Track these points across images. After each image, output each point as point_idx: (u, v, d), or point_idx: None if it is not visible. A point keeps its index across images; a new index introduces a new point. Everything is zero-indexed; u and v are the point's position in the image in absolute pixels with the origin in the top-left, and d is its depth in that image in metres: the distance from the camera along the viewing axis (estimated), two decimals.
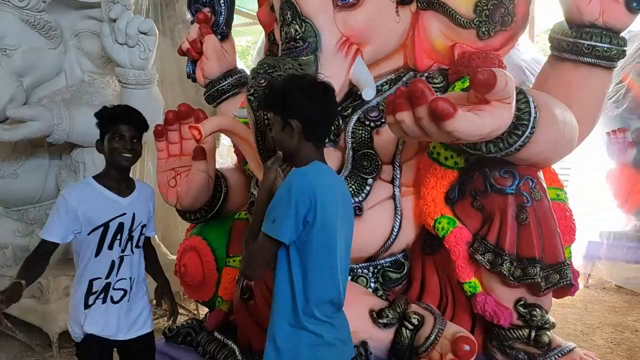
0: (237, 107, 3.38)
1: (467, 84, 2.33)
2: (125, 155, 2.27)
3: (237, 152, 3.15)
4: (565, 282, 2.18)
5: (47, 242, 2.21)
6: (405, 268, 2.61)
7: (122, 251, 2.29)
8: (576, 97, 2.33)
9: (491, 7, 2.58)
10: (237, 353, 2.58)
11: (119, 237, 2.28)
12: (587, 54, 2.33)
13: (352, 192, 2.45)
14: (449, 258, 2.38)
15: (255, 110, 2.04)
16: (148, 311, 2.39)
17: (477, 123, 1.78)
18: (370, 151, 2.50)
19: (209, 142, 2.78)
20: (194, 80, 3.60)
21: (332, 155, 2.47)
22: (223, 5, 3.44)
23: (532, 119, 1.98)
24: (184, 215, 3.05)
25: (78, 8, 4.48)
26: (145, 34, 4.09)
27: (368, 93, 2.47)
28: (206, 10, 3.46)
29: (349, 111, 2.58)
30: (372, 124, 2.50)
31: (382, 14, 2.60)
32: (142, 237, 2.36)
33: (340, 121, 2.53)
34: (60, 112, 3.94)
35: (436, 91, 2.56)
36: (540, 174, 2.28)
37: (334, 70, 2.43)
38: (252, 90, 2.05)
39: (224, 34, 3.49)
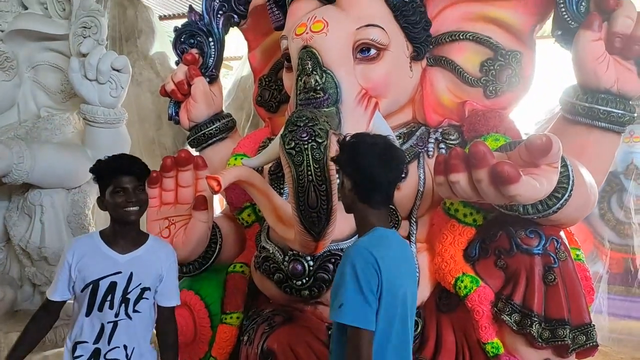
0: (223, 153, 3.28)
1: (500, 142, 2.35)
2: (131, 209, 2.06)
3: (231, 200, 3.01)
4: (591, 344, 2.20)
5: (50, 301, 2.06)
6: (419, 326, 2.54)
7: (116, 315, 2.04)
8: (589, 159, 2.41)
9: (498, 67, 2.66)
10: None
11: (109, 298, 2.03)
12: (602, 118, 2.44)
13: None
14: (469, 317, 2.35)
15: (298, 165, 1.94)
16: None
17: (536, 188, 1.79)
18: (391, 207, 2.45)
19: (207, 190, 2.64)
20: (177, 122, 3.44)
21: None
22: (213, 47, 3.35)
23: (571, 182, 2.02)
24: None
25: (38, 40, 4.20)
26: (118, 70, 3.88)
27: None
28: (194, 51, 3.34)
29: None
30: None
31: (399, 68, 2.61)
32: (145, 302, 2.08)
33: None
34: (20, 151, 3.61)
35: (451, 147, 2.58)
36: (562, 233, 2.32)
37: (355, 123, 2.40)
38: (293, 144, 1.96)
39: (213, 77, 3.38)
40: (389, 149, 1.72)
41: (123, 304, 2.05)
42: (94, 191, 4.32)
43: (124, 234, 2.10)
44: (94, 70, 3.80)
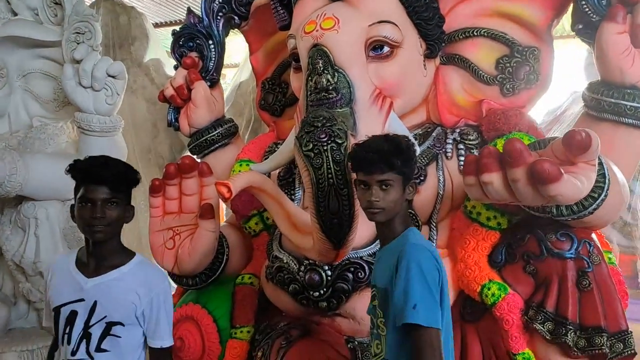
0: (226, 159, 3.14)
1: (524, 141, 2.23)
2: (96, 227, 1.71)
3: (237, 208, 2.86)
4: (629, 352, 2.08)
5: (46, 327, 1.91)
6: None
7: (72, 353, 1.71)
8: (617, 157, 2.29)
9: (514, 64, 2.55)
10: None
11: (67, 330, 1.73)
12: (629, 115, 2.33)
13: None
14: (496, 327, 2.22)
15: (317, 168, 1.81)
16: None
17: (577, 187, 1.67)
18: (410, 211, 2.32)
19: (213, 198, 2.51)
20: (177, 128, 3.30)
21: None
22: (213, 50, 3.21)
23: (607, 180, 1.91)
24: (179, 281, 2.70)
25: (29, 47, 4.05)
26: (113, 77, 3.73)
27: None
28: (193, 54, 3.21)
29: None
30: None
31: (413, 67, 2.49)
32: (115, 341, 1.73)
33: None
34: (13, 162, 3.44)
35: (472, 148, 2.46)
36: (594, 236, 2.20)
37: (370, 124, 2.27)
38: (311, 145, 1.83)
39: (214, 81, 3.24)
40: None
41: (84, 340, 1.72)
42: None
43: (95, 252, 1.77)
44: (89, 77, 3.65)
